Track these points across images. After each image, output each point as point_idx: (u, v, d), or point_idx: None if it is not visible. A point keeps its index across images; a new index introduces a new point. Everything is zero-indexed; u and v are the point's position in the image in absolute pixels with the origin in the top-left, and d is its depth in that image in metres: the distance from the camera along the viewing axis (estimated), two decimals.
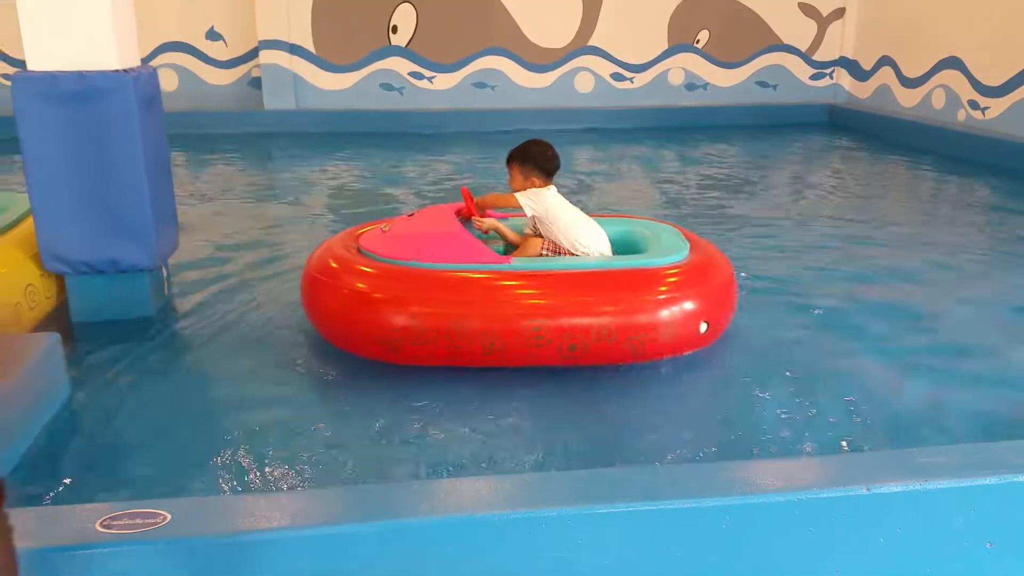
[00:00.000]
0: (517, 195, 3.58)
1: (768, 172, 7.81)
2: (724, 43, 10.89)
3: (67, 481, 2.52)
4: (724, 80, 11.06)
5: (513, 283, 3.22)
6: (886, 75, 10.23)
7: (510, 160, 3.71)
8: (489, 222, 3.73)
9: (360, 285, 3.24)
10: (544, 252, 3.54)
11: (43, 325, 3.61)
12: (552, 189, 3.63)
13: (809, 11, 10.89)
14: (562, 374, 3.23)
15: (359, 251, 3.45)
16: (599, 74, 10.78)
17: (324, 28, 10.06)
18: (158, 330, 3.70)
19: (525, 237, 3.69)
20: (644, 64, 10.85)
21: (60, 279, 3.76)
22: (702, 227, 5.34)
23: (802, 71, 11.16)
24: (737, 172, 7.62)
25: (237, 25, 10.01)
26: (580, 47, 10.63)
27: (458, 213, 3.65)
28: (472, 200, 3.67)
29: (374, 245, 3.42)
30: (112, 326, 3.67)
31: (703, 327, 3.33)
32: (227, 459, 2.64)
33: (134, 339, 3.57)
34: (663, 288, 3.25)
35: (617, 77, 10.84)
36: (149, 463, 2.63)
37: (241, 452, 2.67)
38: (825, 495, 2.04)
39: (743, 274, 4.22)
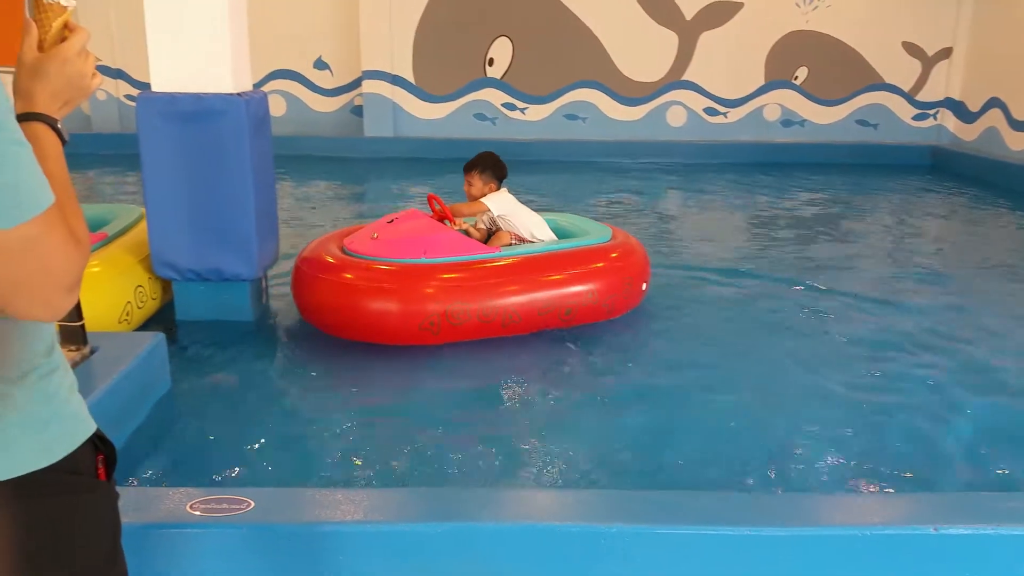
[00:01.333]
0: (484, 199, 4.29)
1: (864, 213, 7.63)
2: (823, 80, 10.75)
3: (162, 465, 2.72)
4: (822, 117, 10.90)
5: (516, 265, 3.90)
6: (994, 117, 9.88)
7: (471, 169, 4.42)
8: (461, 224, 4.37)
9: (386, 284, 3.66)
10: (512, 242, 4.23)
11: (149, 324, 3.89)
12: (505, 191, 4.37)
13: (913, 50, 10.64)
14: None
15: (344, 251, 3.87)
16: (692, 108, 10.79)
17: (424, 60, 10.44)
18: (255, 335, 3.93)
19: (495, 233, 4.34)
20: (739, 99, 10.80)
21: (166, 282, 4.04)
22: (786, 270, 5.29)
23: (904, 111, 10.89)
24: (831, 212, 7.49)
25: (343, 56, 10.49)
26: (673, 81, 10.67)
27: (436, 218, 4.22)
28: (444, 206, 4.26)
29: (371, 248, 3.83)
30: (213, 329, 3.92)
31: (644, 286, 4.28)
32: (309, 455, 2.79)
33: (232, 343, 3.80)
34: (616, 257, 4.12)
35: (711, 111, 10.82)
36: (236, 455, 2.80)
37: (323, 450, 2.82)
38: (891, 532, 2.02)
39: (843, 338, 4.01)
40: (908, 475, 2.76)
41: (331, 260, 3.77)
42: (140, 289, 3.85)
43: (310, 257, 3.86)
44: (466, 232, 4.30)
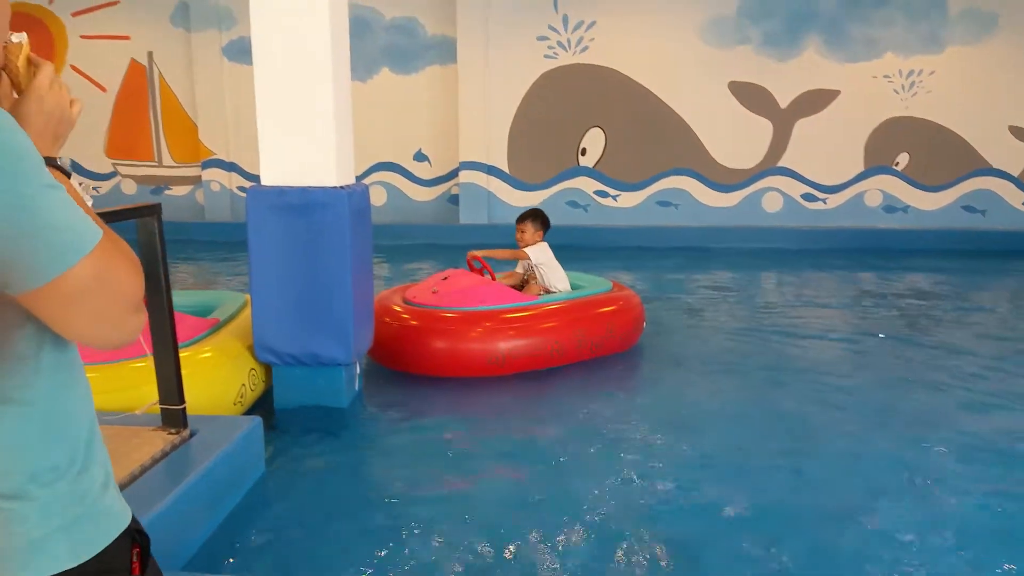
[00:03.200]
0: (528, 249, 5.14)
1: (975, 304, 7.26)
2: (926, 166, 10.46)
3: (251, 554, 2.75)
4: (926, 203, 10.56)
5: (556, 309, 4.89)
6: None
7: (526, 219, 5.30)
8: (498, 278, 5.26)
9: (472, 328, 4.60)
10: (540, 293, 5.12)
11: (253, 407, 4.00)
12: (546, 244, 5.22)
13: (1021, 135, 10.27)
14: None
15: (407, 303, 4.77)
16: (789, 194, 10.65)
17: (518, 151, 10.74)
18: (348, 421, 3.99)
19: (527, 284, 5.32)
20: (838, 185, 10.61)
21: (268, 366, 4.17)
22: (893, 364, 5.05)
23: (1014, 196, 10.45)
24: (938, 301, 7.16)
25: (441, 148, 10.91)
26: (769, 167, 10.60)
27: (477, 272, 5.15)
28: (485, 263, 5.12)
29: (438, 300, 4.71)
30: (308, 413, 4.00)
31: (643, 325, 5.34)
32: (396, 556, 2.77)
33: (326, 428, 3.87)
34: (629, 302, 5.20)
35: (809, 197, 10.66)
36: (324, 548, 2.81)
37: (407, 550, 2.80)
38: None
39: (942, 449, 3.66)
40: None
41: (397, 309, 4.71)
42: (253, 372, 4.00)
43: (393, 308, 4.71)
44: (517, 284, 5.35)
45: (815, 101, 10.38)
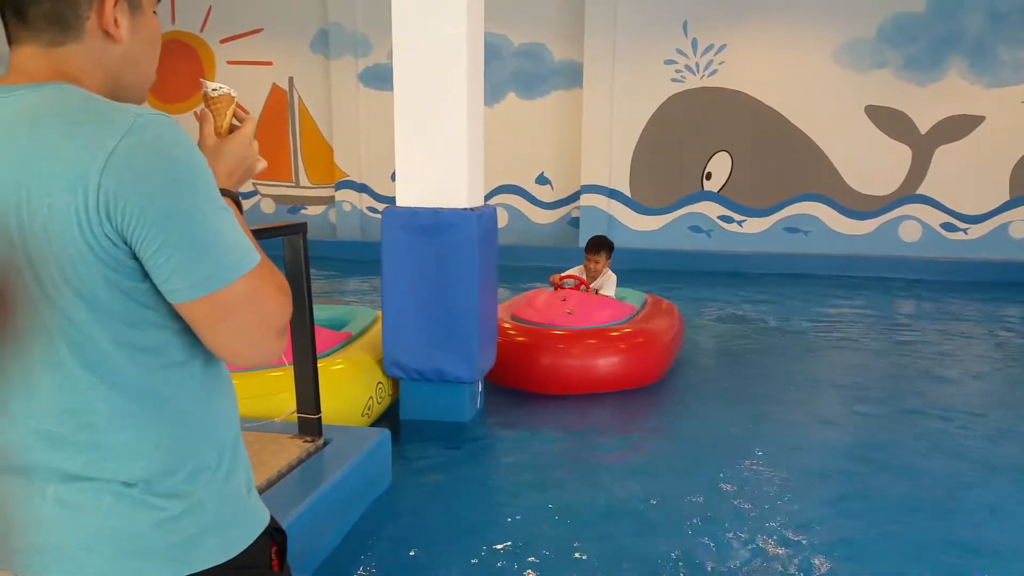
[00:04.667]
0: (604, 286, 5.43)
1: None
2: None
3: (373, 566, 2.82)
4: None
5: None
6: None
7: (601, 249, 5.45)
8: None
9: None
10: None
11: (379, 420, 4.14)
12: (615, 277, 5.58)
13: None
14: None
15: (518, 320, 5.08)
16: (927, 223, 10.12)
17: (641, 175, 10.69)
18: (470, 437, 4.07)
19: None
20: (981, 215, 10.00)
21: (395, 380, 4.30)
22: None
23: None
24: None
25: (563, 171, 10.99)
26: (907, 195, 10.11)
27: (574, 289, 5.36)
28: (580, 278, 5.39)
29: (574, 320, 4.88)
30: (432, 427, 4.10)
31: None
32: (520, 572, 2.79)
33: (448, 442, 3.95)
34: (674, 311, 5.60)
35: (949, 227, 10.09)
36: (447, 563, 2.86)
37: (537, 558, 2.81)
38: None
39: None
40: None
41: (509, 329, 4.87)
42: (380, 385, 4.15)
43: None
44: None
45: (958, 127, 9.84)
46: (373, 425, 4.01)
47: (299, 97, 11.67)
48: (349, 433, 3.33)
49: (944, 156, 9.94)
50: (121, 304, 1.01)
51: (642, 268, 9.86)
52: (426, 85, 3.93)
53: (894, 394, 4.95)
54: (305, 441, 3.12)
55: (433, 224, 3.96)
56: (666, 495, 3.39)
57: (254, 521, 1.18)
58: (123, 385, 1.03)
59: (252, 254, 1.04)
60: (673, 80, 10.41)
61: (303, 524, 2.64)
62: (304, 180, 11.94)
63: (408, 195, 4.07)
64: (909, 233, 10.19)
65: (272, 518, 1.23)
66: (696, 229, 10.69)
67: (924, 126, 9.91)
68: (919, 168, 10.03)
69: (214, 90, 1.21)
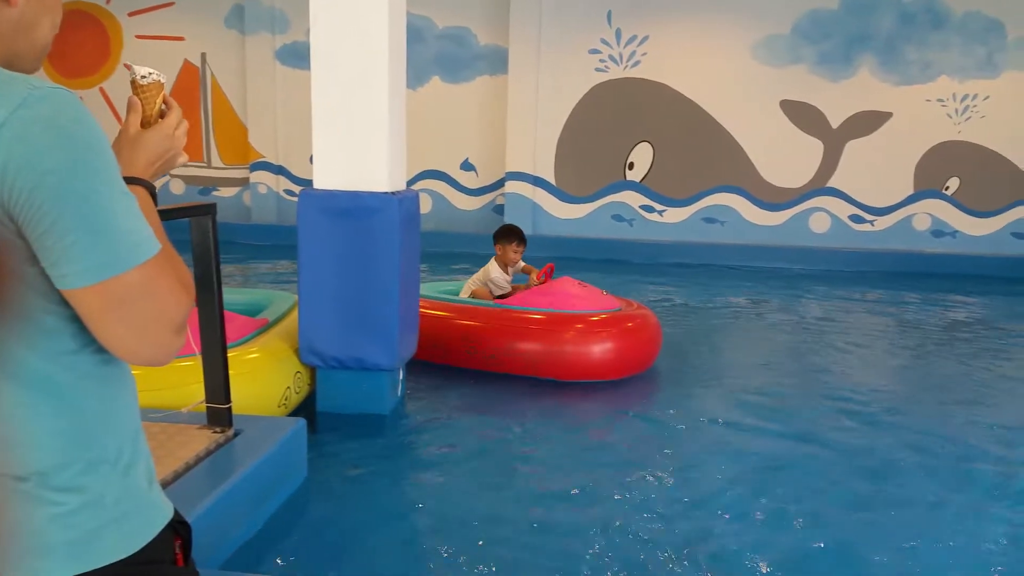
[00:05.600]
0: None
1: (1020, 333, 7.05)
2: (976, 191, 10.24)
3: (291, 556, 2.74)
4: (975, 229, 10.33)
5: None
6: None
7: (524, 241, 5.45)
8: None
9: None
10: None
11: (297, 411, 4.01)
12: None
13: None
14: None
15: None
16: (836, 215, 10.49)
17: (565, 163, 10.72)
18: (389, 427, 3.99)
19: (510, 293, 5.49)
20: (887, 207, 10.42)
21: (312, 370, 4.18)
22: (928, 393, 4.90)
23: None
24: (983, 330, 6.96)
25: (488, 158, 10.93)
26: (818, 187, 10.45)
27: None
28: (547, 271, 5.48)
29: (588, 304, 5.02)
30: (350, 419, 4.00)
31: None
32: (434, 564, 2.74)
33: (367, 434, 3.86)
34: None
35: (856, 219, 10.48)
36: (363, 555, 2.79)
37: (452, 549, 2.77)
38: None
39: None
40: None
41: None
42: (299, 375, 4.01)
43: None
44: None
45: (867, 122, 10.21)
46: (290, 416, 3.89)
47: (212, 74, 11.26)
48: (261, 423, 3.21)
49: (853, 150, 10.30)
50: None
51: (566, 256, 9.91)
52: (346, 63, 3.81)
53: (801, 368, 5.09)
54: (214, 432, 2.99)
55: (352, 208, 3.85)
56: (590, 481, 3.39)
57: (156, 515, 1.13)
58: (17, 374, 0.98)
59: (151, 242, 0.98)
60: (597, 69, 10.46)
61: (211, 517, 2.54)
62: (217, 160, 11.53)
63: (326, 178, 3.94)
64: (819, 224, 10.54)
65: (176, 511, 1.19)
66: (619, 218, 10.80)
67: (836, 121, 10.24)
68: (830, 161, 10.37)
69: (143, 77, 1.16)
